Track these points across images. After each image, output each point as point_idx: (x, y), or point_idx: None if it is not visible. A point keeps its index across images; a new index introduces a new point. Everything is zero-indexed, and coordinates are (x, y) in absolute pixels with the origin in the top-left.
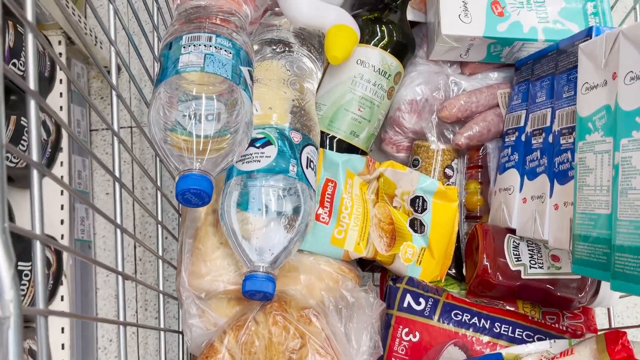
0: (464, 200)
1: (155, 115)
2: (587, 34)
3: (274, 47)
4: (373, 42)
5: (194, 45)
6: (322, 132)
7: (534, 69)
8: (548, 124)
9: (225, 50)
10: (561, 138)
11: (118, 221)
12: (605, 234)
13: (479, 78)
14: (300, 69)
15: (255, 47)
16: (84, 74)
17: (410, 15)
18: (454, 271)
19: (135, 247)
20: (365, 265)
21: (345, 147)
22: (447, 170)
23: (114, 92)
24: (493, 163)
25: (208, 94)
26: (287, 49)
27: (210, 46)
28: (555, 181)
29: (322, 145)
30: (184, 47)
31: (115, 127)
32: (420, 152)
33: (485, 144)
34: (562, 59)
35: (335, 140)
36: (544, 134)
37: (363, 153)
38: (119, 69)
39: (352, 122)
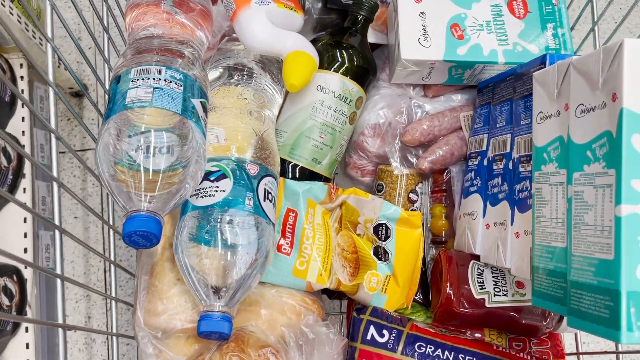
0: (429, 225)
1: (103, 151)
2: (542, 61)
3: (233, 74)
4: (333, 67)
5: (143, 79)
6: (283, 160)
7: (495, 93)
8: (508, 149)
9: (175, 83)
10: (520, 166)
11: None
12: (562, 267)
13: (442, 100)
14: (260, 96)
15: (216, 74)
16: (47, 96)
17: (372, 38)
18: (421, 297)
19: (105, 272)
20: (332, 293)
21: (308, 174)
22: (412, 195)
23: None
24: (457, 187)
25: (157, 129)
26: (246, 75)
27: (160, 79)
28: (515, 209)
29: (284, 173)
30: (132, 81)
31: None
32: (384, 177)
33: (449, 168)
34: (520, 85)
35: (297, 168)
36: (504, 160)
37: (326, 179)
38: (85, 88)
39: (313, 149)
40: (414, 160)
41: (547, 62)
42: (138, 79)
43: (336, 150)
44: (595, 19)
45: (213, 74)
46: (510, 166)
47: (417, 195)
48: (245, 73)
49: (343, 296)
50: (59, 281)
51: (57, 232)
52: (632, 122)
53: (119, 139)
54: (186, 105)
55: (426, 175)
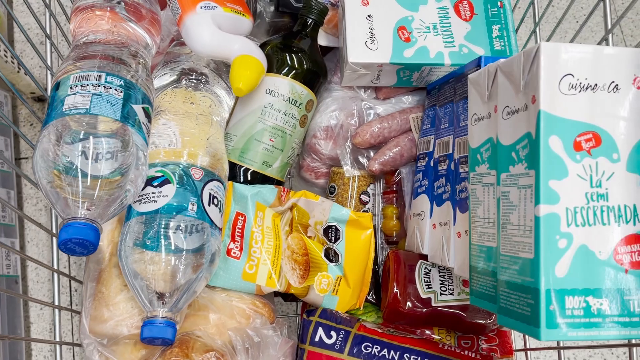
0: (381, 226)
1: (42, 156)
2: (477, 64)
3: (183, 78)
4: (282, 71)
5: (81, 86)
6: (234, 164)
7: (439, 95)
8: (450, 150)
9: (115, 89)
10: (460, 167)
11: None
12: (493, 266)
13: (393, 102)
14: (208, 101)
15: (165, 78)
16: (7, 101)
17: (324, 41)
18: (374, 297)
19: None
20: (287, 296)
21: (260, 178)
22: (363, 197)
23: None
24: (407, 187)
25: (96, 135)
26: (195, 79)
27: (99, 85)
28: (457, 209)
29: (235, 177)
30: (71, 88)
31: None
32: (336, 179)
33: (399, 169)
34: (459, 87)
35: (248, 172)
36: (447, 161)
37: (279, 183)
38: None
39: (264, 152)
40: (365, 161)
41: (482, 64)
42: (77, 86)
43: (287, 153)
44: (537, 20)
45: (162, 78)
46: (452, 167)
47: (369, 197)
48: (194, 77)
49: (298, 298)
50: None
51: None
52: (550, 124)
53: (59, 145)
54: (127, 111)
55: (378, 177)
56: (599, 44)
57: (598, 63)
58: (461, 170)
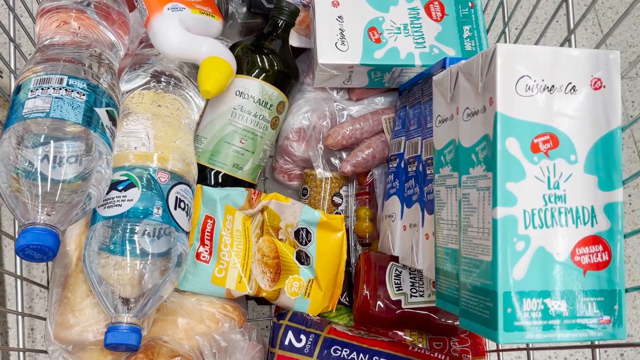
0: (354, 228)
1: (1, 161)
2: (442, 65)
3: (152, 80)
4: (252, 73)
5: (42, 89)
6: (204, 167)
7: (409, 96)
8: (419, 152)
9: (77, 92)
10: (427, 168)
11: None
12: (456, 269)
13: (365, 103)
14: (176, 103)
15: (134, 80)
16: None
17: (295, 42)
18: (347, 299)
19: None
20: (260, 299)
21: (231, 181)
22: (336, 198)
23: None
24: (380, 189)
25: (57, 139)
26: (164, 81)
27: (61, 89)
28: (425, 211)
29: (206, 179)
30: (32, 91)
31: None
32: (309, 180)
33: (372, 170)
34: (426, 88)
35: (219, 175)
36: (416, 162)
37: (250, 185)
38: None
39: (234, 155)
40: (337, 163)
41: (447, 65)
42: (37, 89)
43: (259, 155)
44: (506, 21)
45: (131, 81)
46: (420, 168)
47: (342, 198)
48: (163, 80)
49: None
50: None
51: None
52: (506, 126)
53: (19, 149)
54: (89, 115)
55: (351, 178)
56: (563, 44)
57: (555, 64)
58: (428, 172)
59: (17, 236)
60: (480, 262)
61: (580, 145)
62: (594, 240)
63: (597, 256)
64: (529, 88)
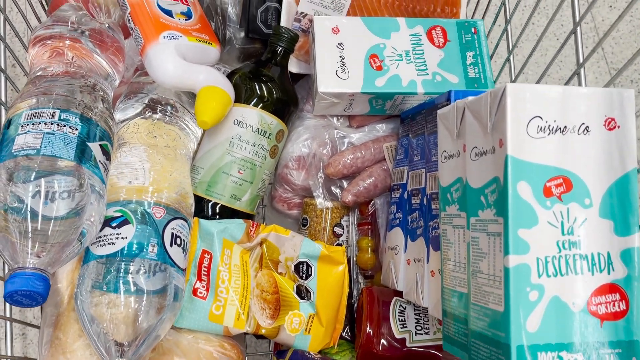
0: (355, 259)
1: None
2: (447, 98)
3: (147, 109)
4: (251, 101)
5: (33, 124)
6: (201, 198)
7: (412, 125)
8: (423, 185)
9: (70, 127)
10: (432, 203)
11: None
12: (465, 314)
13: (367, 130)
14: (172, 134)
15: (128, 109)
16: None
17: (295, 68)
18: (349, 334)
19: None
20: (259, 335)
21: (229, 212)
22: (337, 229)
23: None
24: (382, 219)
25: (47, 176)
26: (160, 111)
27: (52, 124)
28: (430, 246)
29: (203, 211)
30: (22, 127)
31: None
32: (309, 210)
33: (374, 200)
34: (430, 120)
35: (217, 206)
36: (420, 195)
37: (249, 216)
38: None
39: (232, 185)
40: (338, 192)
41: (452, 98)
42: (28, 124)
43: (257, 185)
44: (510, 48)
45: (126, 110)
46: (425, 202)
47: (343, 229)
48: (159, 109)
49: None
50: None
51: None
52: (518, 170)
53: (9, 185)
54: (82, 150)
55: (352, 208)
56: (570, 79)
57: (567, 104)
58: (433, 206)
59: (5, 279)
60: (491, 312)
61: (595, 188)
62: (611, 288)
63: (614, 305)
64: (540, 129)
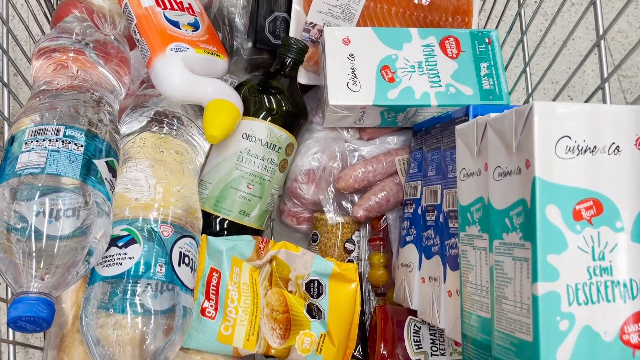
0: (367, 275)
1: None
2: (465, 113)
3: (153, 123)
4: (260, 114)
5: (37, 141)
6: (208, 214)
7: (426, 139)
8: (439, 201)
9: (75, 144)
10: (449, 221)
11: None
12: (487, 340)
13: (378, 143)
14: (180, 148)
15: (134, 123)
16: None
17: (304, 79)
18: (360, 352)
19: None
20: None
21: (237, 228)
22: (348, 245)
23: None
24: (394, 234)
25: (52, 194)
26: (167, 124)
27: (57, 141)
28: (447, 266)
29: (210, 226)
30: (26, 144)
31: None
32: (319, 226)
33: (386, 215)
34: (446, 135)
35: (224, 223)
36: (436, 212)
37: (257, 232)
38: None
39: (241, 200)
40: (349, 207)
41: (470, 114)
42: (32, 141)
43: (266, 200)
44: (527, 60)
45: (132, 124)
46: (441, 219)
47: (354, 244)
48: (166, 122)
49: None
50: None
51: None
52: (546, 192)
53: (12, 204)
54: (87, 168)
55: (363, 222)
56: (594, 93)
57: (596, 123)
58: (450, 225)
59: (8, 304)
60: (518, 341)
61: (626, 210)
62: None
63: None
64: (569, 149)
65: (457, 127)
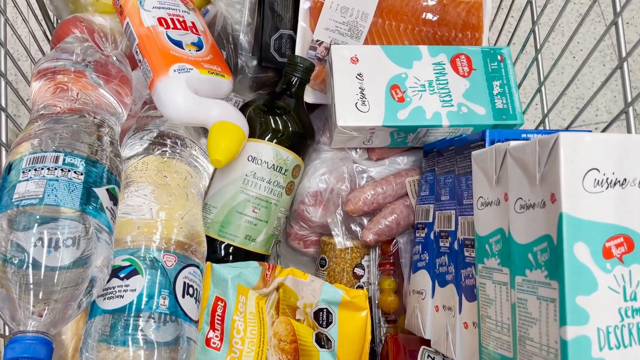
0: (377, 301)
1: None
2: (481, 137)
3: (155, 146)
4: (266, 136)
5: (35, 170)
6: (213, 239)
7: (438, 161)
8: (453, 227)
9: (74, 172)
10: (465, 249)
11: None
12: None
13: (387, 164)
14: (184, 172)
15: (136, 145)
16: None
17: (310, 98)
18: None
19: None
20: None
21: (243, 253)
22: (357, 270)
23: None
24: (405, 258)
25: (50, 226)
26: (170, 148)
27: (56, 169)
28: (463, 296)
29: (215, 252)
30: (23, 172)
31: None
32: (327, 250)
33: (396, 238)
34: (461, 159)
35: (229, 249)
36: (450, 238)
37: (263, 256)
38: None
39: (246, 225)
40: (358, 230)
41: (487, 139)
42: (30, 170)
43: (272, 224)
44: (542, 79)
45: (134, 146)
46: (455, 246)
47: (364, 269)
48: (169, 144)
49: None
50: None
51: None
52: (574, 229)
53: (10, 233)
54: (87, 197)
55: (373, 246)
56: (617, 117)
57: (626, 154)
58: (466, 253)
59: (5, 343)
60: None
61: None
62: None
63: None
64: (597, 183)
65: (474, 153)
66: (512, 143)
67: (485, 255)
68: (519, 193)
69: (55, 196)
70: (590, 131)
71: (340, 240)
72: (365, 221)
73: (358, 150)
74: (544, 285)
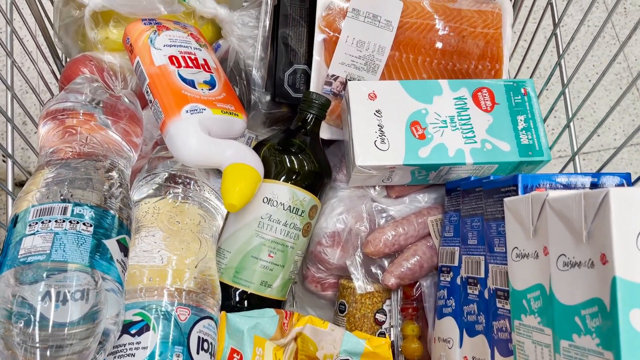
0: (400, 348)
1: None
2: (513, 182)
3: (166, 188)
4: (281, 177)
5: (43, 222)
6: (228, 286)
7: (464, 202)
8: (482, 275)
9: (84, 224)
10: (497, 300)
11: None
12: None
13: (407, 202)
14: (197, 216)
15: (147, 188)
16: None
17: (326, 134)
18: None
19: None
20: None
21: (258, 299)
22: (379, 316)
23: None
24: (430, 303)
25: (58, 276)
26: (182, 191)
27: (64, 221)
28: (496, 350)
29: (230, 299)
30: (30, 226)
31: None
32: (346, 294)
33: (419, 281)
34: (490, 204)
35: (244, 295)
36: (479, 286)
37: (280, 302)
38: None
39: (262, 270)
40: (378, 273)
41: (519, 185)
42: (37, 223)
43: (289, 268)
44: (570, 115)
45: (144, 189)
46: (486, 295)
47: (385, 315)
48: (181, 186)
49: None
50: None
51: None
52: (629, 295)
53: (16, 288)
54: (97, 250)
55: (395, 289)
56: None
57: None
58: (499, 305)
59: None
60: None
61: None
62: None
63: None
64: None
65: (507, 200)
66: (552, 194)
67: (522, 311)
68: (562, 249)
69: (64, 251)
70: (635, 182)
71: (360, 284)
72: (386, 263)
73: (377, 187)
74: (595, 354)
